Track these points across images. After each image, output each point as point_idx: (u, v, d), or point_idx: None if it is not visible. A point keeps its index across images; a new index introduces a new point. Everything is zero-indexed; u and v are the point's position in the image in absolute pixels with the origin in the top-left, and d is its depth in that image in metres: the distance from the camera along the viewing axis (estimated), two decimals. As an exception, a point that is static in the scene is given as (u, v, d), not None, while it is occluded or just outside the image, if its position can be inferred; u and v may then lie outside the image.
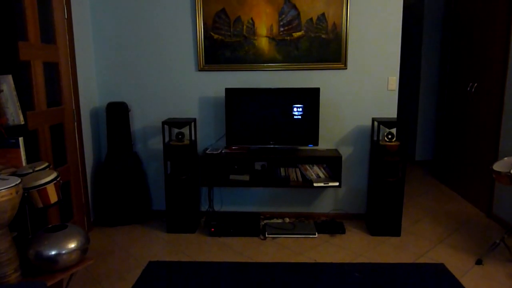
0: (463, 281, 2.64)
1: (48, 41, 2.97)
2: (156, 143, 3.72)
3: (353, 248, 3.15)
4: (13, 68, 2.19)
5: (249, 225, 3.38)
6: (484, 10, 3.88)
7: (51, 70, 3.03)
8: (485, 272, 2.75)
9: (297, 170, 3.48)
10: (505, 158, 2.93)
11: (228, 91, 3.38)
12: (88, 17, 3.50)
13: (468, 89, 4.17)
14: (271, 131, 3.42)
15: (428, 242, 3.24)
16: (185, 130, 3.54)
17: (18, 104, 2.16)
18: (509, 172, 2.66)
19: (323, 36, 3.41)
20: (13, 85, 2.13)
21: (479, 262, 2.87)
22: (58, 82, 3.09)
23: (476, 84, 4.02)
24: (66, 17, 3.12)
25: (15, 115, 2.15)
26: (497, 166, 2.82)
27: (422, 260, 2.94)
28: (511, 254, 2.97)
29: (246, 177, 3.45)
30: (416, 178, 5.08)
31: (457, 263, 2.88)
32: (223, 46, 3.47)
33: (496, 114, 3.61)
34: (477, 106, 4.00)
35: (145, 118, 3.68)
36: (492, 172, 2.82)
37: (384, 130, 3.38)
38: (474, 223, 3.63)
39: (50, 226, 2.13)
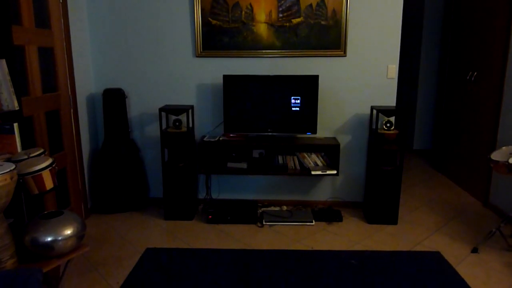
0: (459, 269, 2.65)
1: (43, 25, 2.91)
2: (153, 130, 3.69)
3: (350, 236, 3.16)
4: (7, 53, 2.15)
5: (247, 213, 3.38)
6: (486, -2, 3.83)
7: (46, 55, 2.99)
8: (480, 260, 2.77)
9: (295, 158, 3.48)
10: (503, 148, 2.93)
11: (226, 78, 3.35)
12: (83, 1, 3.43)
13: (468, 78, 4.14)
14: (269, 119, 3.40)
15: (424, 231, 3.25)
16: (183, 117, 3.52)
17: (12, 89, 2.13)
18: (507, 162, 2.65)
19: (323, 22, 3.36)
20: (6, 70, 2.10)
21: (475, 250, 2.89)
22: (54, 67, 3.05)
23: (476, 73, 3.99)
24: (61, 1, 3.06)
25: (9, 101, 2.12)
26: (495, 155, 2.82)
27: (418, 248, 2.95)
28: (507, 242, 2.98)
29: (243, 165, 3.44)
30: (414, 167, 5.09)
31: (453, 251, 2.90)
32: (221, 32, 3.42)
33: (496, 103, 3.59)
34: (476, 95, 3.98)
35: (142, 104, 3.65)
36: (490, 161, 2.82)
37: (383, 119, 3.37)
38: (471, 212, 3.64)
39: (46, 212, 2.12)
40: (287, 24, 3.39)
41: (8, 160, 2.03)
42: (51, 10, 2.98)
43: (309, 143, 3.36)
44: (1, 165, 1.81)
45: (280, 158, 3.50)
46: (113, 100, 3.47)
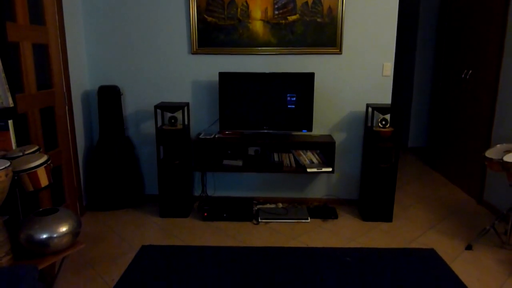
0: (453, 266, 2.68)
1: (37, 22, 2.89)
2: (149, 128, 3.69)
3: (345, 233, 3.17)
4: (1, 49, 2.14)
5: (242, 210, 3.39)
6: (481, -4, 3.85)
7: (41, 52, 2.97)
8: (474, 258, 2.79)
9: (291, 155, 3.48)
10: (498, 145, 2.95)
11: (222, 75, 3.35)
12: (78, -2, 3.42)
13: (463, 76, 4.16)
14: (265, 116, 3.40)
15: (419, 228, 3.27)
16: (178, 115, 3.51)
17: (6, 86, 2.11)
18: (501, 159, 2.67)
19: (318, 20, 3.37)
20: (1, 67, 2.08)
21: (469, 247, 2.91)
22: (48, 64, 3.03)
23: (470, 71, 4.01)
24: (55, -3, 3.04)
25: (3, 98, 2.11)
26: (490, 153, 2.84)
27: (413, 245, 2.97)
28: (501, 240, 3.01)
29: (239, 162, 3.44)
30: (409, 165, 5.11)
31: (447, 249, 2.92)
32: (217, 29, 3.42)
33: (490, 101, 3.61)
34: (471, 93, 4.00)
35: (138, 102, 3.64)
36: (484, 159, 2.84)
37: (378, 116, 3.38)
38: (465, 210, 3.67)
39: (41, 209, 2.12)
40: (283, 21, 3.39)
41: (3, 157, 2.02)
42: (46, 7, 2.96)
43: (305, 141, 3.36)
44: (-4, 162, 1.80)
45: (275, 156, 3.50)
46: (108, 97, 3.45)
